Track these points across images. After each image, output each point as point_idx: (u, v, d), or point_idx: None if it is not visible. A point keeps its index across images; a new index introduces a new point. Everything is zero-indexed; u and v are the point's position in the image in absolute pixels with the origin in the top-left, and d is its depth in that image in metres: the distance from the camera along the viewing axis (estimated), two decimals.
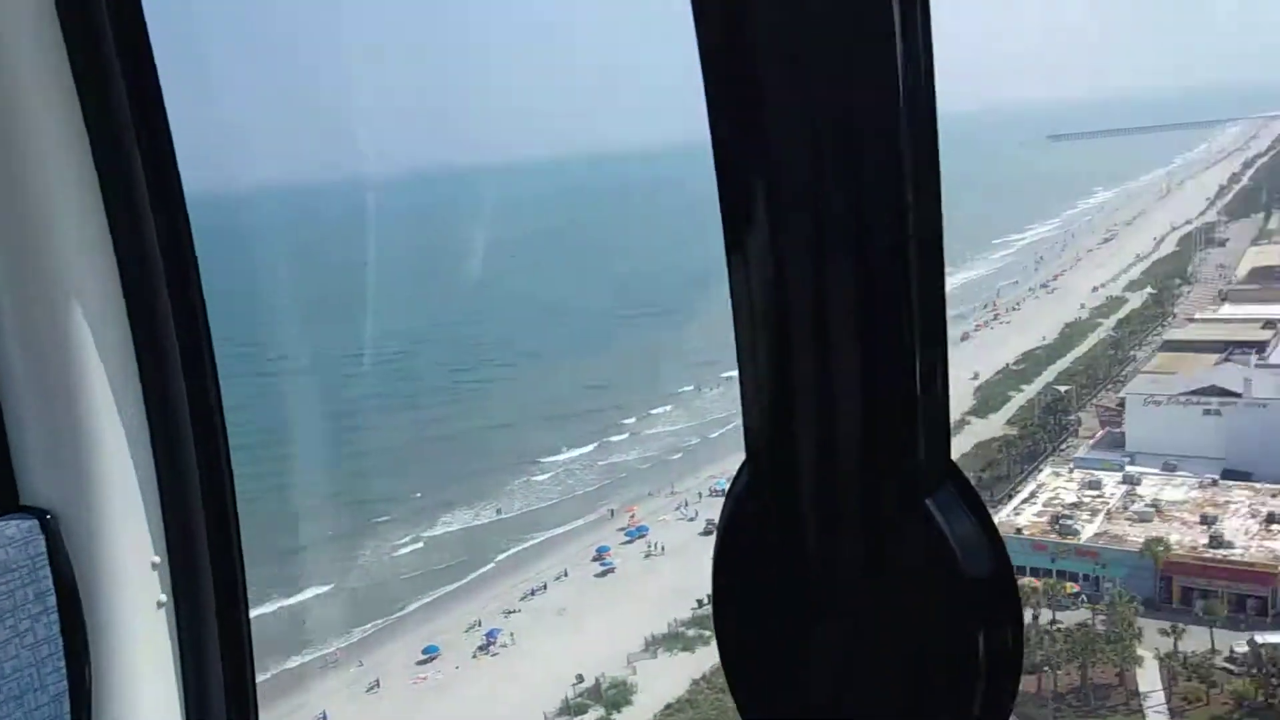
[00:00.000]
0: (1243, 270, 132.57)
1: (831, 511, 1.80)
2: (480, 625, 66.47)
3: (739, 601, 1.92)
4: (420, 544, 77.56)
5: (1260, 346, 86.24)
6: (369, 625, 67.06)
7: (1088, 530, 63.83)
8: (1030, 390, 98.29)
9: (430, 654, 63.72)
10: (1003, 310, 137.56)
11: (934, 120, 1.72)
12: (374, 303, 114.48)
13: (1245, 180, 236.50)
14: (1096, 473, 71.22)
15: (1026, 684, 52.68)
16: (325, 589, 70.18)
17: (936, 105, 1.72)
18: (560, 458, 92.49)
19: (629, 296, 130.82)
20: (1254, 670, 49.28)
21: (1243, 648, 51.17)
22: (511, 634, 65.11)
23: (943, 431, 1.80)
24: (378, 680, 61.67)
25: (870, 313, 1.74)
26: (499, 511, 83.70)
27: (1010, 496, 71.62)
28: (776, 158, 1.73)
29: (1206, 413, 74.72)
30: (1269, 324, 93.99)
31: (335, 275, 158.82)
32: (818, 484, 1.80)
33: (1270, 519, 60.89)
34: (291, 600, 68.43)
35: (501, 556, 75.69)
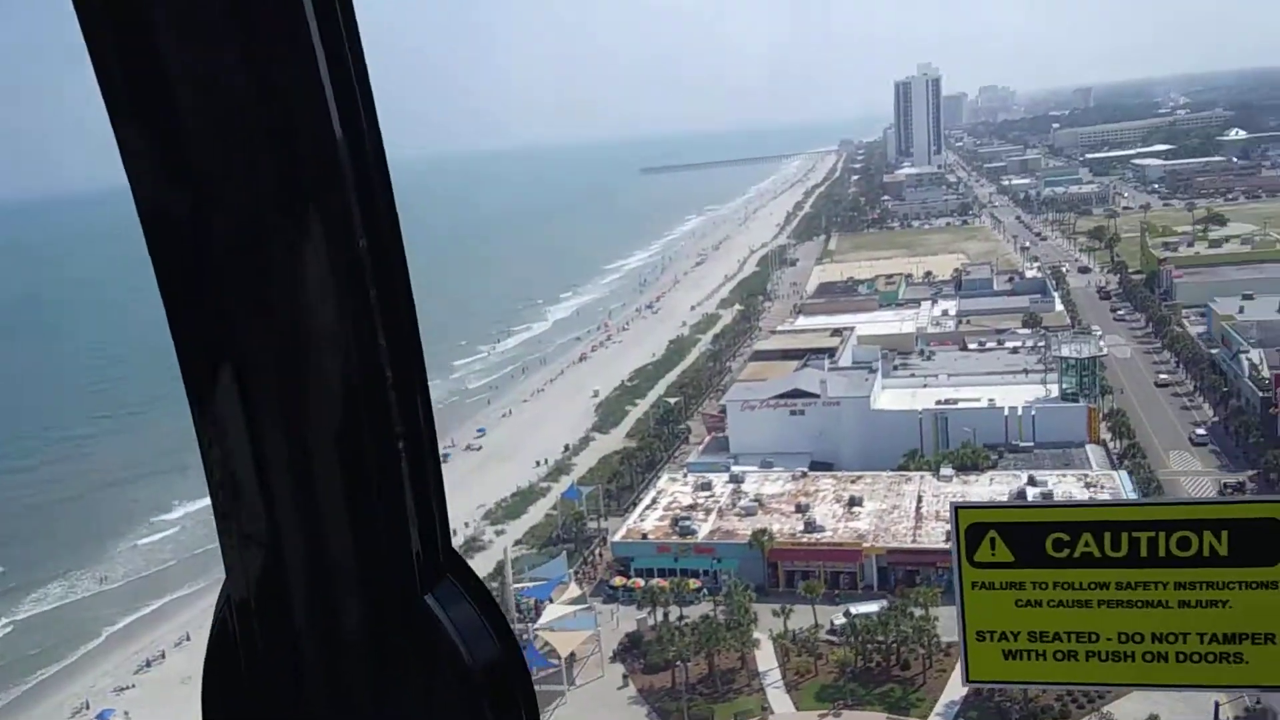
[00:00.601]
0: (811, 286, 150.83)
1: (323, 620, 1.70)
2: (89, 708, 59.21)
3: None
4: (10, 628, 67.72)
5: (831, 352, 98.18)
6: None
7: (704, 529, 69.02)
8: (645, 404, 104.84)
9: None
10: (615, 331, 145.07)
11: (397, 231, 1.63)
12: None
13: (807, 207, 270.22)
14: (707, 475, 77.17)
15: (662, 679, 56.14)
16: None
17: (393, 198, 1.64)
18: (173, 515, 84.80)
19: None
20: (851, 639, 55.80)
21: (840, 620, 57.77)
22: (126, 712, 58.70)
23: (439, 522, 1.77)
24: None
25: (346, 410, 1.62)
26: (103, 580, 75.15)
27: (635, 504, 75.97)
28: (218, 239, 1.59)
29: (792, 413, 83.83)
30: (836, 332, 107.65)
31: None
32: (306, 593, 1.68)
33: (851, 502, 69.50)
34: None
35: (111, 629, 67.92)
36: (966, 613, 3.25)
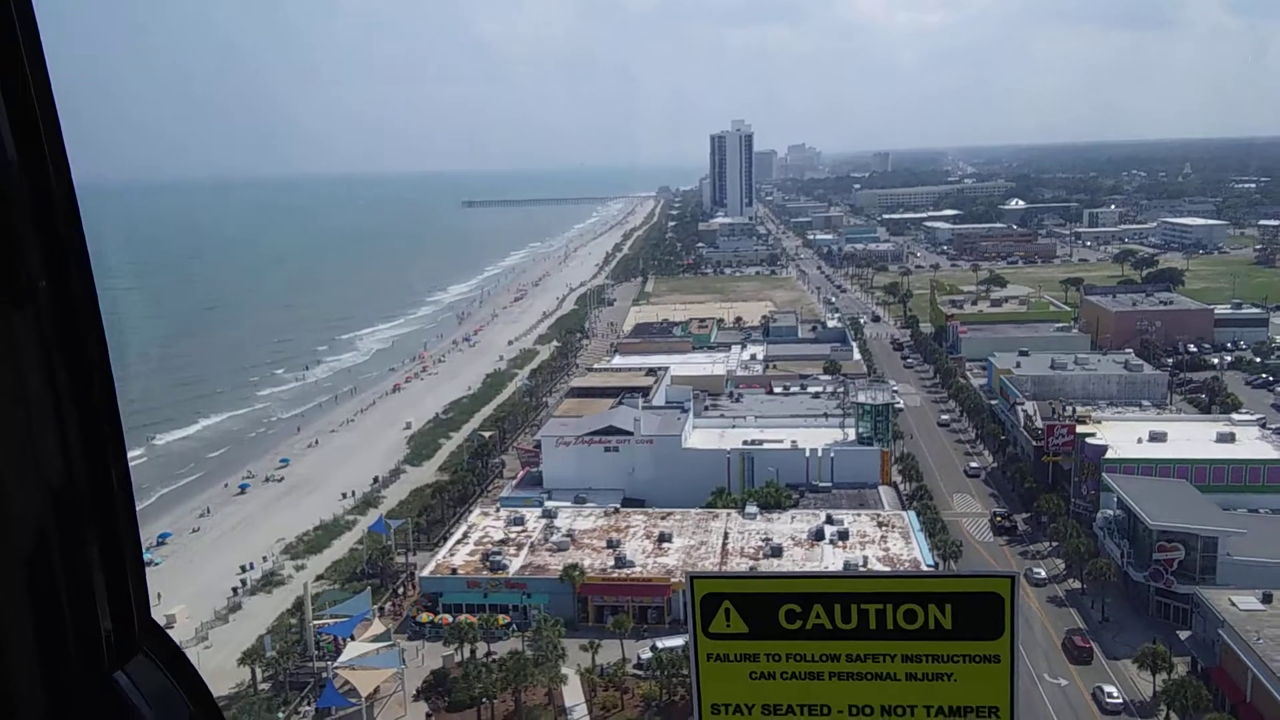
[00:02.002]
0: (628, 326, 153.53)
1: (3, 709, 1.56)
2: None
3: None
4: None
5: (645, 391, 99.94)
6: None
7: (515, 564, 68.51)
8: (459, 437, 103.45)
9: None
10: (431, 363, 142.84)
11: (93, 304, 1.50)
12: None
13: (626, 249, 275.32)
14: (520, 510, 76.78)
15: (467, 717, 55.19)
16: None
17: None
18: None
19: None
20: (657, 672, 56.49)
21: (647, 654, 58.30)
22: None
23: (135, 595, 1.71)
24: None
25: (23, 487, 1.48)
26: None
27: (445, 539, 74.72)
28: None
29: (607, 450, 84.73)
30: (650, 372, 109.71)
31: None
32: None
33: (661, 538, 70.76)
34: None
35: None
36: (701, 686, 3.32)
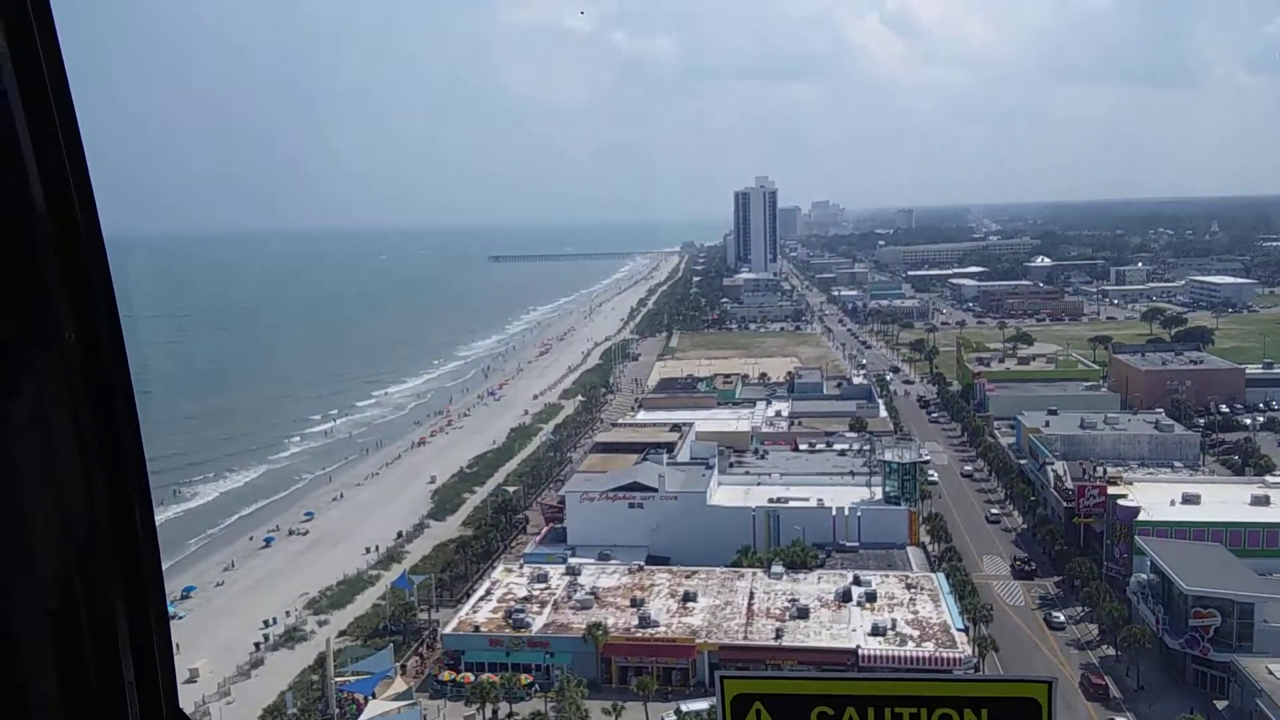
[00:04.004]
0: (653, 381, 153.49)
1: None
2: None
3: None
4: None
5: (670, 447, 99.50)
6: None
7: (538, 622, 67.75)
8: (483, 492, 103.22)
9: None
10: (456, 417, 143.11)
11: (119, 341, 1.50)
12: None
13: (650, 304, 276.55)
14: (543, 566, 76.05)
15: None
16: None
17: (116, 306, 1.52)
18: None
19: None
20: None
21: (671, 718, 57.47)
22: None
23: (164, 684, 1.69)
24: None
25: (51, 573, 1.46)
26: None
27: (469, 595, 74.16)
28: None
29: (631, 506, 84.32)
30: (675, 427, 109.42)
31: None
32: None
33: (686, 597, 69.91)
34: None
35: None
36: None
